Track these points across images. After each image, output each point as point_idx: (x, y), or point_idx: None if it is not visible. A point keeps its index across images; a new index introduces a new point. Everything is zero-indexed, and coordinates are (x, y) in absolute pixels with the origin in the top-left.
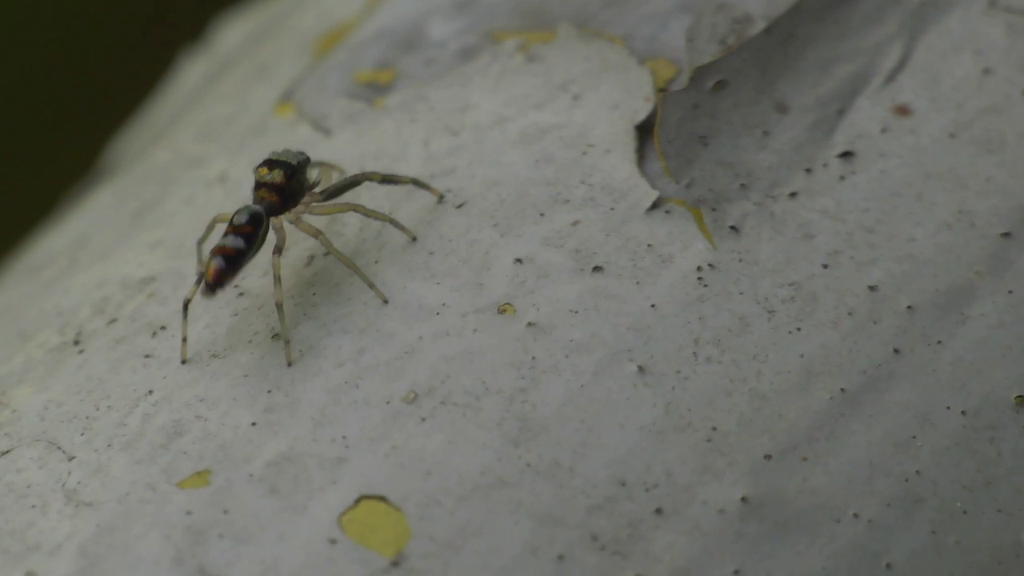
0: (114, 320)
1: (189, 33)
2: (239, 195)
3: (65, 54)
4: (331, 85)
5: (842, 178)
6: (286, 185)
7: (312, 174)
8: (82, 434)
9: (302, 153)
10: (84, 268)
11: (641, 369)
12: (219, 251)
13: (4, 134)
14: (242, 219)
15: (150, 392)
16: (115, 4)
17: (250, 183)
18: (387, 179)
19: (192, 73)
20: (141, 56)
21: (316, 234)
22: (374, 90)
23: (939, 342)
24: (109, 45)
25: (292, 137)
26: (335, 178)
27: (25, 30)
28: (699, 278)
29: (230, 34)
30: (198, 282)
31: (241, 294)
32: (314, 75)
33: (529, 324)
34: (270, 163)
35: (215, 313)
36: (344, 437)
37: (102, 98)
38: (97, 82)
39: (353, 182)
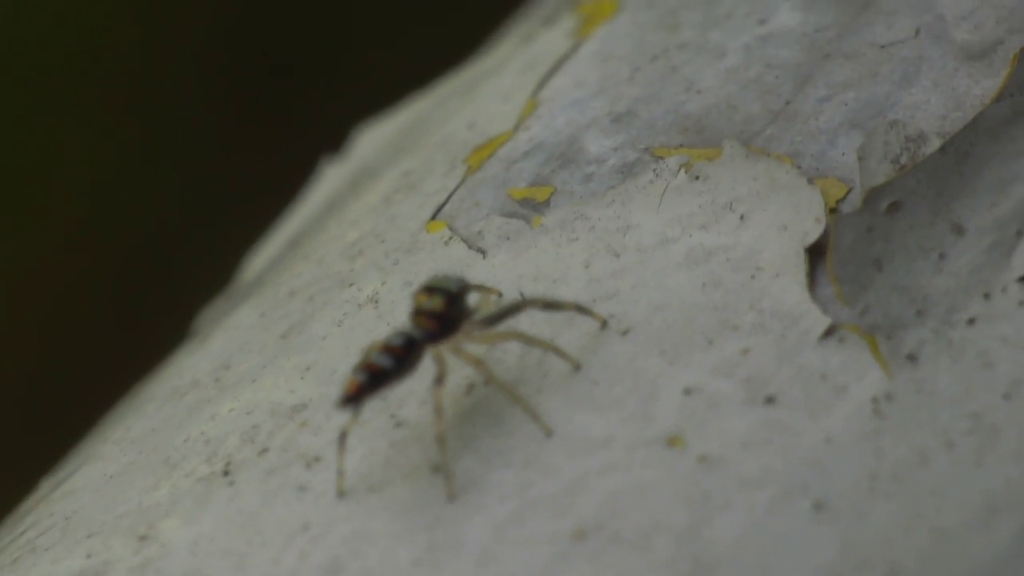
0: (265, 450)
1: (329, 143)
2: (392, 317)
3: (200, 165)
4: (485, 202)
5: (1022, 303)
6: (446, 312)
7: (470, 299)
8: (235, 571)
9: (462, 279)
10: (231, 393)
11: (817, 505)
12: (365, 367)
13: (141, 247)
14: (396, 341)
15: (305, 527)
16: (250, 112)
17: (403, 304)
18: (549, 305)
19: (332, 181)
20: (280, 165)
21: (477, 364)
22: (531, 207)
23: None
24: (249, 155)
25: (446, 256)
26: (494, 302)
27: (160, 143)
28: (875, 410)
29: (369, 142)
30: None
31: (398, 424)
32: (466, 191)
33: (700, 458)
34: (429, 289)
35: (371, 444)
36: None
37: (239, 209)
38: (234, 191)
39: (515, 308)
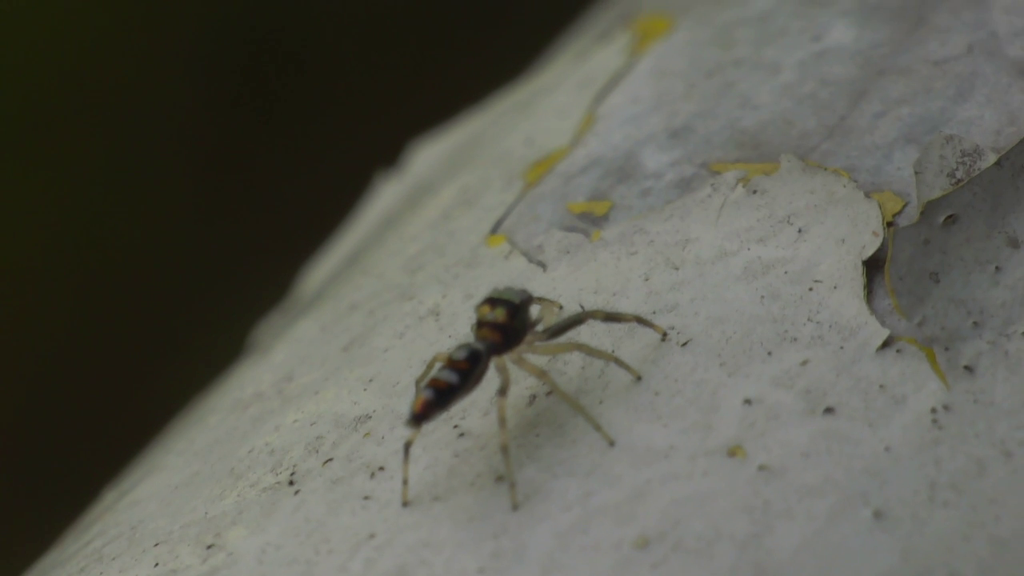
0: (330, 460)
1: (384, 157)
2: (453, 329)
3: (255, 178)
4: (544, 216)
5: None
6: (509, 324)
7: (532, 311)
8: None
9: (525, 291)
10: (294, 405)
11: (877, 514)
12: (432, 383)
13: (196, 264)
14: (460, 355)
15: (371, 535)
16: (305, 128)
17: (464, 317)
18: (610, 317)
19: (388, 196)
20: (335, 179)
21: (541, 374)
22: (589, 222)
23: None
24: (301, 169)
25: (505, 270)
26: (555, 314)
27: (214, 156)
28: (934, 420)
29: (424, 157)
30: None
31: (462, 435)
32: (525, 205)
33: (760, 467)
34: (492, 301)
35: (435, 454)
36: None
37: (295, 222)
38: (289, 205)
39: (576, 320)
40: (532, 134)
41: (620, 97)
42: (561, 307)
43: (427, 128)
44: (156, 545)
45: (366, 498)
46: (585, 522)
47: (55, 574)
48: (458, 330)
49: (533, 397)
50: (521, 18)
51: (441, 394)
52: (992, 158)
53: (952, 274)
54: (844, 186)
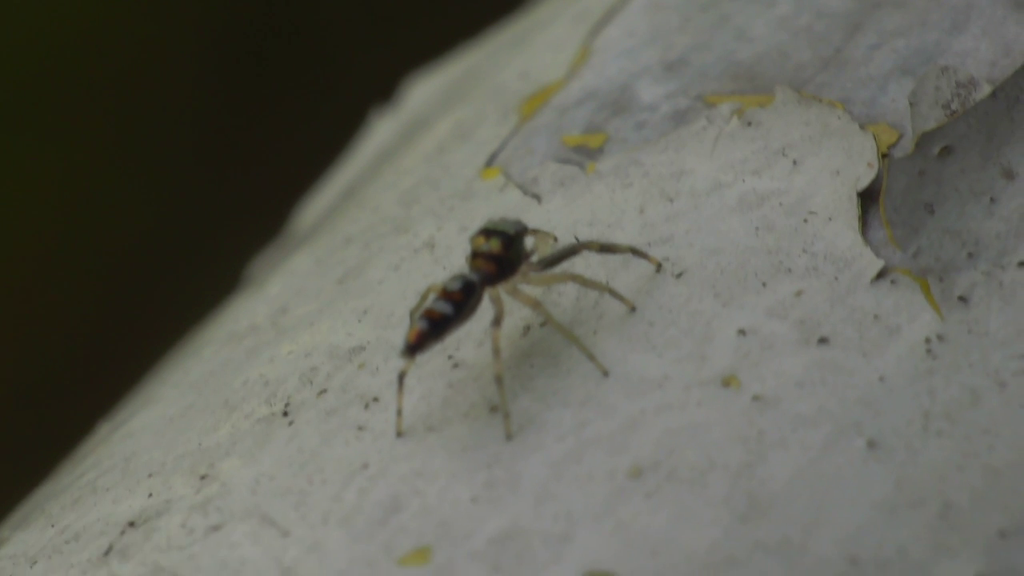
0: (324, 391)
1: (379, 92)
2: (448, 261)
3: (251, 115)
4: (539, 149)
5: None
6: (504, 255)
7: (527, 242)
8: (296, 509)
9: (519, 222)
10: (289, 337)
11: (870, 443)
12: (426, 314)
13: (192, 199)
14: (454, 286)
15: (365, 466)
16: (299, 64)
17: (459, 249)
18: (605, 248)
19: (383, 132)
20: (330, 115)
21: (535, 305)
22: (585, 154)
23: None
24: (296, 105)
25: (501, 202)
26: (550, 246)
27: (210, 92)
28: (928, 350)
29: (420, 93)
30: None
31: (456, 365)
32: (520, 138)
33: (754, 397)
34: (487, 232)
35: (429, 385)
36: (568, 513)
37: (290, 158)
38: (284, 142)
39: (571, 251)
40: (527, 68)
41: (615, 30)
42: (556, 239)
43: (423, 63)
44: (150, 476)
45: (360, 428)
46: (579, 452)
47: (49, 505)
48: (453, 262)
49: (527, 328)
50: None
51: (435, 324)
52: (987, 89)
53: (947, 205)
54: (839, 118)
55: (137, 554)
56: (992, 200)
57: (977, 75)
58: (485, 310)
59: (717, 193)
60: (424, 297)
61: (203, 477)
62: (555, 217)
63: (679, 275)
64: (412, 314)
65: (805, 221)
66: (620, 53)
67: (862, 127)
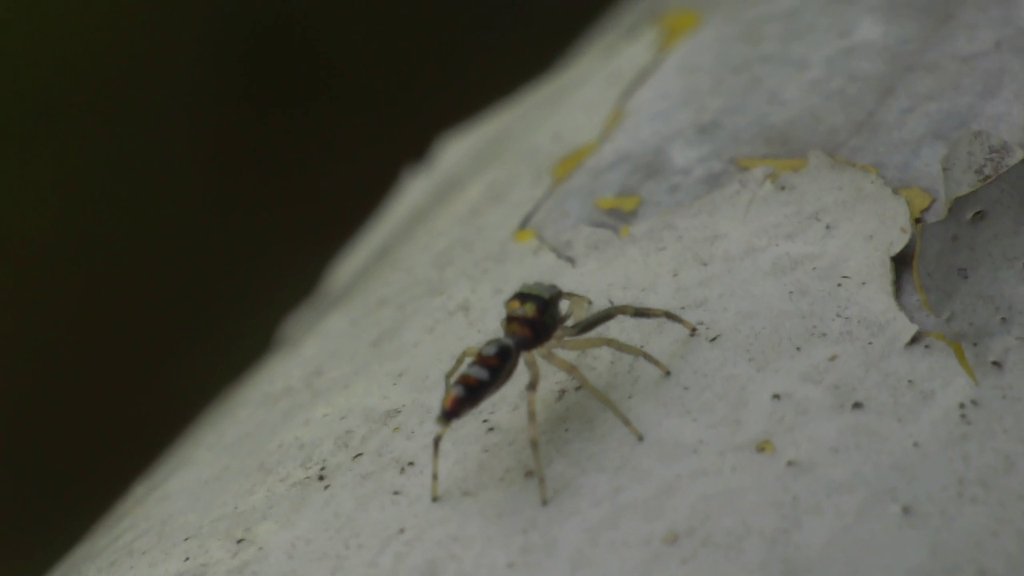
0: (359, 455)
1: (411, 151)
2: (482, 325)
3: (284, 173)
4: (573, 212)
5: None
6: (539, 319)
7: (562, 306)
8: (333, 574)
9: (554, 286)
10: (324, 399)
11: (905, 509)
12: (462, 380)
13: (226, 257)
14: (490, 351)
15: (401, 530)
16: (332, 121)
17: (493, 312)
18: (640, 312)
19: (416, 191)
20: (362, 173)
21: (570, 369)
22: (618, 217)
23: None
24: (329, 163)
25: (535, 265)
26: (585, 310)
27: (245, 149)
28: (962, 415)
29: (452, 152)
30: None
31: (491, 429)
32: (554, 201)
33: (789, 463)
34: (522, 296)
35: (465, 449)
36: None
37: (322, 216)
38: (317, 199)
39: (606, 315)
40: (560, 129)
41: (648, 93)
42: (590, 302)
43: (455, 123)
44: (186, 539)
45: (396, 493)
46: (614, 517)
47: (86, 568)
48: (487, 325)
49: (562, 392)
50: (549, 13)
51: (472, 391)
52: (1020, 154)
53: (980, 270)
54: (872, 182)
55: None
56: None
57: (1010, 139)
58: (520, 374)
59: (751, 257)
60: (460, 361)
61: (239, 541)
62: (589, 280)
63: (713, 339)
64: (447, 378)
65: (839, 285)
66: (653, 115)
67: (895, 192)
